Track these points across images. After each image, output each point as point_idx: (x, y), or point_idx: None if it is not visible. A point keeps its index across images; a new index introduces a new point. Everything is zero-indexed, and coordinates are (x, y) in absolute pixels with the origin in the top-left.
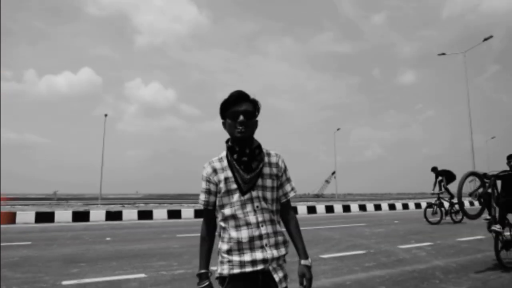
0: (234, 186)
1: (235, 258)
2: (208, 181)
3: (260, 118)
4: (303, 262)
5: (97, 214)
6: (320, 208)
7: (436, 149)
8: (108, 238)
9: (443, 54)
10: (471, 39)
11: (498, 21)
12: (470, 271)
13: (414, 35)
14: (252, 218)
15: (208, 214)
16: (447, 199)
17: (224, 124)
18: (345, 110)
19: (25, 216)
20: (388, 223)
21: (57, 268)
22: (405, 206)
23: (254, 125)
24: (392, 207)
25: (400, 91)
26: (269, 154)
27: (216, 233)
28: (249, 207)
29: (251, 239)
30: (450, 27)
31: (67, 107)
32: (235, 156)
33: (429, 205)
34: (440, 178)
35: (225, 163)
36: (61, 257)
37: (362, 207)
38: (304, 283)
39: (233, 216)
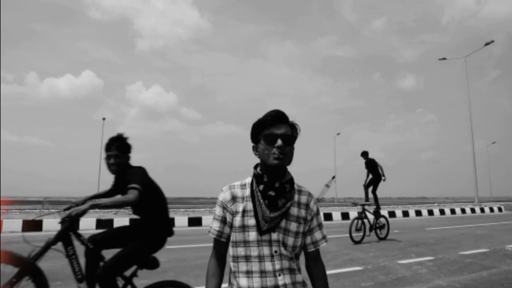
0: (252, 222)
1: None
2: (225, 208)
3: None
4: None
5: (87, 222)
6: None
7: (436, 153)
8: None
9: (444, 59)
10: (471, 44)
11: (498, 26)
12: None
13: (415, 40)
14: (268, 265)
15: (219, 247)
16: (371, 209)
17: (254, 148)
18: (346, 114)
19: (11, 225)
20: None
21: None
22: (405, 214)
23: (292, 152)
24: (392, 214)
25: (400, 95)
26: (300, 192)
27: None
28: (266, 251)
29: None
30: (450, 32)
31: (68, 110)
32: (261, 187)
33: (358, 216)
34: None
35: (247, 191)
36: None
37: None
38: None
39: (246, 258)
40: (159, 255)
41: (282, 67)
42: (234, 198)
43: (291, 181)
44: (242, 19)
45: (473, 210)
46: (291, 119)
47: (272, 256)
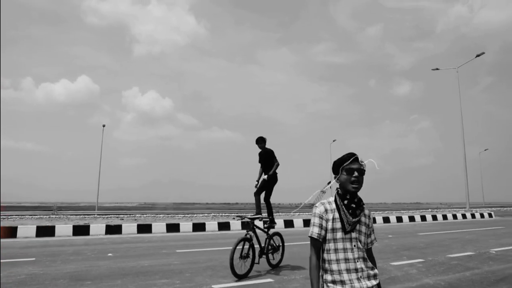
0: (339, 225)
1: (339, 287)
2: (321, 217)
3: (257, 129)
4: None
5: (97, 228)
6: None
7: (431, 159)
8: (109, 254)
9: (437, 69)
10: (465, 51)
11: (491, 34)
12: None
13: (410, 47)
14: (350, 254)
15: (317, 245)
16: (261, 223)
17: (336, 177)
18: (342, 120)
19: (26, 230)
20: (382, 238)
21: (64, 286)
22: (399, 219)
23: (363, 181)
24: (386, 220)
25: (395, 101)
26: (364, 207)
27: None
28: (348, 245)
29: (349, 271)
30: (445, 39)
31: (64, 115)
32: (345, 201)
33: (244, 237)
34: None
35: (333, 205)
36: (66, 274)
37: None
38: None
39: (336, 251)
40: (171, 258)
41: (278, 73)
42: (326, 210)
43: (361, 199)
44: (239, 26)
45: (464, 216)
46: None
47: (352, 248)
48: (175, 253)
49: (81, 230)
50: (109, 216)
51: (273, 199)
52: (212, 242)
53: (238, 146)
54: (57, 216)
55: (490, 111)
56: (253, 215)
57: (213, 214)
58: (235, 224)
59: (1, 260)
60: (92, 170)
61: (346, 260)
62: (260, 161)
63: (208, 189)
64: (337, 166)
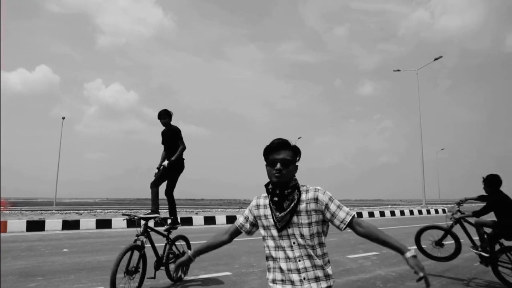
0: (271, 222)
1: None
2: (250, 211)
3: (224, 125)
4: (407, 255)
5: (53, 223)
6: None
7: (392, 158)
8: (65, 249)
9: (398, 70)
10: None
11: (450, 39)
12: (407, 279)
13: (374, 49)
14: (290, 253)
15: (233, 232)
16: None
17: (266, 167)
18: (308, 118)
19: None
20: (341, 232)
21: (13, 282)
22: (359, 215)
23: (292, 171)
24: None
25: (360, 101)
26: (307, 191)
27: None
28: (286, 243)
29: (290, 271)
30: (406, 42)
31: (21, 106)
32: (269, 196)
33: (130, 248)
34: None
35: (267, 201)
36: (16, 271)
37: None
38: (420, 273)
39: (275, 248)
40: (129, 253)
41: (246, 69)
42: (258, 206)
43: (293, 187)
44: (207, 20)
45: (420, 212)
46: (292, 142)
47: (291, 246)
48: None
49: (35, 225)
50: (68, 211)
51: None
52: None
53: (204, 141)
54: (10, 211)
55: (449, 113)
56: (148, 213)
57: (177, 211)
58: (198, 220)
59: None
60: (52, 165)
61: (287, 259)
62: (163, 142)
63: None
64: (265, 156)
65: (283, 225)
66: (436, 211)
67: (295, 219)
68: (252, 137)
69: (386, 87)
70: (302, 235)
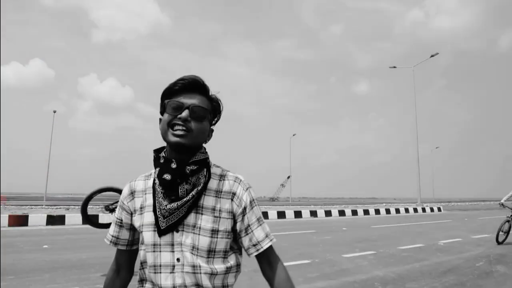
0: (149, 219)
1: None
2: (121, 207)
3: (220, 121)
4: None
5: (37, 218)
6: (272, 213)
7: (386, 156)
8: (45, 246)
9: (394, 67)
10: (420, 54)
11: (444, 39)
12: (407, 280)
13: (369, 47)
14: (165, 279)
15: (117, 257)
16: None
17: (160, 120)
18: (303, 116)
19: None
20: (336, 230)
21: None
22: (354, 213)
23: (203, 130)
24: (342, 213)
25: (354, 99)
26: (223, 176)
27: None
28: (165, 258)
29: None
30: (402, 41)
31: (14, 100)
32: (157, 170)
33: None
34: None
35: (150, 182)
36: None
37: (313, 213)
38: None
39: (154, 268)
40: (113, 252)
41: (242, 66)
42: (132, 193)
43: (201, 161)
44: (203, 16)
45: (415, 210)
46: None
47: (173, 266)
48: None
49: (18, 220)
50: (57, 206)
51: None
52: None
53: None
54: None
55: (443, 111)
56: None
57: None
58: None
59: None
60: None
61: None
62: None
63: None
64: (162, 98)
65: (170, 224)
66: (432, 209)
67: (191, 218)
68: (247, 133)
69: (381, 85)
70: (196, 248)
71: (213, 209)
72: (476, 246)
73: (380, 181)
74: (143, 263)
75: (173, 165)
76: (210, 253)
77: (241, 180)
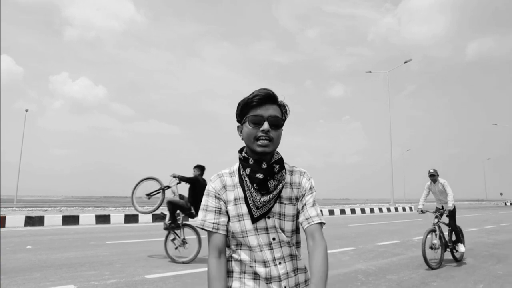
0: (244, 209)
1: None
2: (218, 197)
3: (196, 121)
4: None
5: (14, 220)
6: None
7: (360, 159)
8: (29, 246)
9: (370, 71)
10: (393, 59)
11: (416, 45)
12: (387, 273)
13: (345, 52)
14: (267, 254)
15: (218, 242)
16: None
17: (239, 128)
18: None
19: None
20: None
21: None
22: (331, 212)
23: (280, 136)
24: None
25: (329, 102)
26: (292, 172)
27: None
28: (263, 239)
29: (268, 280)
30: (375, 47)
31: None
32: (248, 170)
33: None
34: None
35: (236, 178)
36: None
37: None
38: None
39: (246, 249)
40: (100, 249)
41: (219, 68)
42: (224, 187)
43: (280, 161)
44: (180, 17)
45: (389, 210)
46: (280, 98)
47: (270, 244)
48: (105, 245)
49: None
50: (30, 208)
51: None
52: (146, 233)
53: (175, 139)
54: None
55: (413, 115)
56: None
57: (147, 207)
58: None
59: None
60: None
61: (264, 262)
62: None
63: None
64: (241, 112)
65: (262, 213)
66: (404, 209)
67: (277, 207)
68: (224, 134)
69: (355, 89)
70: (283, 230)
71: (290, 198)
72: None
73: (353, 182)
74: (239, 248)
75: (264, 166)
76: (292, 233)
77: (305, 173)
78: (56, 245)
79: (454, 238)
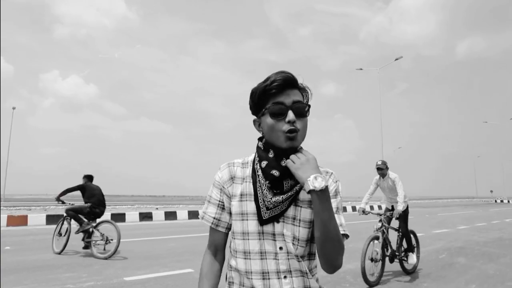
0: (251, 208)
1: None
2: (222, 190)
3: (189, 120)
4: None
5: None
6: None
7: (352, 156)
8: (7, 247)
9: (361, 69)
10: (384, 58)
11: (407, 44)
12: None
13: (337, 50)
14: (271, 264)
15: (216, 238)
16: None
17: (256, 122)
18: None
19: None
20: None
21: None
22: None
23: (306, 125)
24: None
25: (322, 100)
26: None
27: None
28: (268, 246)
29: None
30: (367, 46)
31: None
32: (264, 163)
33: None
34: None
35: (248, 170)
36: None
37: None
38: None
39: (246, 254)
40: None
41: (212, 66)
42: (232, 178)
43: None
44: (173, 15)
45: (380, 207)
46: (300, 80)
47: (275, 253)
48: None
49: None
50: (17, 207)
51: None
52: (129, 233)
53: (167, 138)
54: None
55: (405, 114)
56: None
57: (137, 206)
58: (158, 215)
59: None
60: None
61: (263, 274)
62: None
63: (134, 181)
64: (258, 101)
65: (272, 215)
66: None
67: (291, 210)
68: (217, 132)
69: (347, 87)
70: (296, 238)
71: (310, 202)
72: (437, 240)
73: (347, 180)
74: (237, 251)
75: (283, 163)
76: (307, 242)
77: (332, 173)
78: (37, 246)
79: (406, 246)
